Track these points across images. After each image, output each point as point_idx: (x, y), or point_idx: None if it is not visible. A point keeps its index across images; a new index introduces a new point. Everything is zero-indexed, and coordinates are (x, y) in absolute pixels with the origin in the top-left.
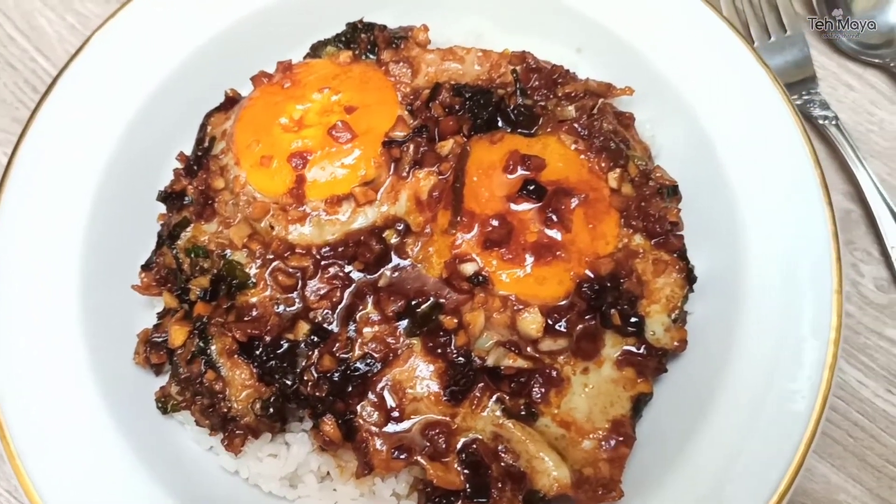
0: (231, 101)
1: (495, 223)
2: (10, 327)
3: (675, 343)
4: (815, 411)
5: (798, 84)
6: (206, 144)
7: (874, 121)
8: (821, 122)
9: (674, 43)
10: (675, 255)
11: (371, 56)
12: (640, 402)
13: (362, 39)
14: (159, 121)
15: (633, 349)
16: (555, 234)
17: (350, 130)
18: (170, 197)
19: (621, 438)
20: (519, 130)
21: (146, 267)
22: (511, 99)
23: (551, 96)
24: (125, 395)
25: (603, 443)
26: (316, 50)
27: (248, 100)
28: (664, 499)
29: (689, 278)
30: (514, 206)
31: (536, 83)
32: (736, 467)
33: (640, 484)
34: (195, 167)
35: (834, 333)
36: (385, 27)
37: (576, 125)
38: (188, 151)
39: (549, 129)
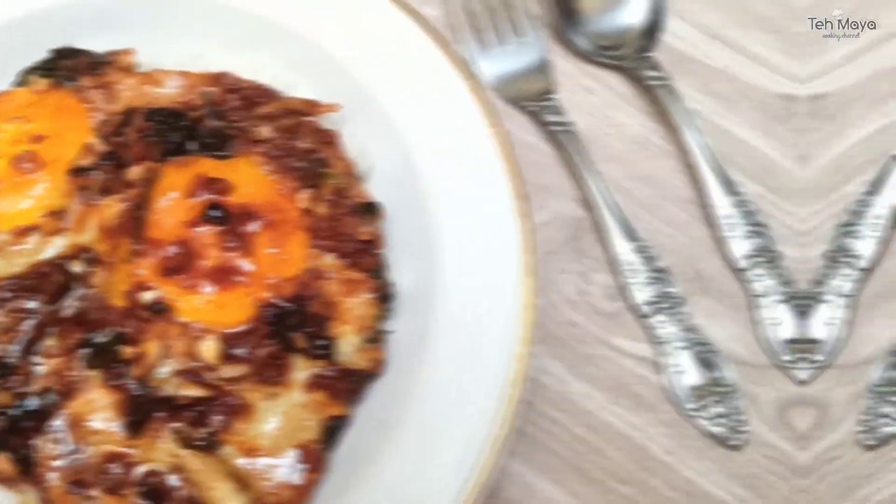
0: None
1: (174, 249)
2: None
3: (369, 363)
4: (498, 429)
5: (536, 89)
6: None
7: (612, 124)
8: (552, 128)
9: (380, 59)
10: (368, 274)
11: (72, 83)
12: (334, 426)
13: (65, 66)
14: None
15: (325, 372)
16: (236, 258)
17: (35, 160)
18: None
19: (309, 464)
20: (214, 153)
21: None
22: (204, 121)
23: (249, 117)
24: None
25: (288, 469)
26: (22, 78)
27: None
28: None
29: (385, 297)
30: (195, 231)
31: (236, 103)
32: (416, 488)
33: None
34: None
35: (521, 348)
36: (89, 53)
37: (268, 146)
38: None
39: (242, 151)
